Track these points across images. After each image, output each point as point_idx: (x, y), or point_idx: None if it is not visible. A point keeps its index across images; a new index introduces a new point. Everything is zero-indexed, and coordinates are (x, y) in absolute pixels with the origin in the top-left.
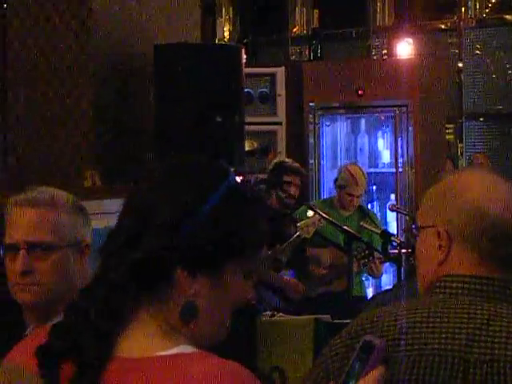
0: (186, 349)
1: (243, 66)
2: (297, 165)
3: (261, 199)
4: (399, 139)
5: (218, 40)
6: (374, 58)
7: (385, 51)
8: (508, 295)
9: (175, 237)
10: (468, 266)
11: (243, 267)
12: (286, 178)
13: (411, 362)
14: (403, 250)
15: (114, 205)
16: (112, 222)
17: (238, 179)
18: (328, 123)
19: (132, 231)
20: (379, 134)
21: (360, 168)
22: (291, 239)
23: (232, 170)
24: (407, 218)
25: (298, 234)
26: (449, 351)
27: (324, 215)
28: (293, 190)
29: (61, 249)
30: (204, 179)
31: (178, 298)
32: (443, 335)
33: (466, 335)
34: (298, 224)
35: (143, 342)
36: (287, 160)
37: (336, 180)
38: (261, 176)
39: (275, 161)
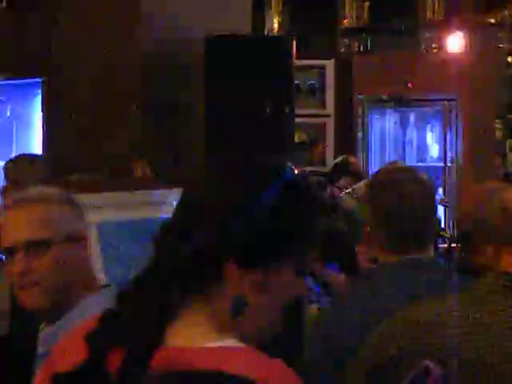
0: (233, 343)
1: (293, 57)
2: (358, 169)
3: (317, 198)
4: (448, 133)
5: (268, 32)
6: (424, 51)
7: (434, 45)
8: None
9: (228, 232)
10: None
11: (296, 264)
12: (343, 183)
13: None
14: (453, 245)
15: (163, 195)
16: (160, 212)
17: (296, 172)
18: (377, 116)
19: (186, 225)
20: (428, 127)
21: (405, 165)
22: None
23: (289, 166)
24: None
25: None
26: None
27: None
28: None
29: (57, 244)
30: (260, 175)
31: (228, 291)
32: None
33: None
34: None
35: (190, 333)
36: (353, 161)
37: None
38: (308, 168)
39: (342, 158)
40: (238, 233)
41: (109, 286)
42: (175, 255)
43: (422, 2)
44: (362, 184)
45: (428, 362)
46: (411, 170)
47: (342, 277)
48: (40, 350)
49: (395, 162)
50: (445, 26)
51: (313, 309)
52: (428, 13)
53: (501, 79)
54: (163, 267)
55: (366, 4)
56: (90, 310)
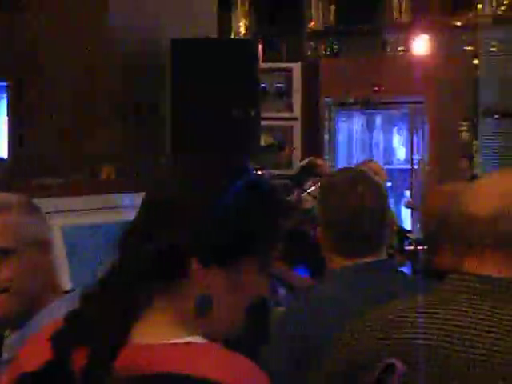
0: (199, 339)
1: (259, 60)
2: (326, 171)
3: (280, 197)
4: (414, 136)
5: (234, 34)
6: (390, 54)
7: (401, 47)
8: None
9: (192, 230)
10: None
11: (258, 263)
12: (313, 182)
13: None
14: (419, 247)
15: (128, 199)
16: (125, 216)
17: (257, 174)
18: (343, 119)
19: (149, 225)
20: (395, 130)
21: (380, 165)
22: None
23: (252, 166)
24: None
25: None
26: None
27: None
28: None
29: (20, 251)
30: (223, 175)
31: (192, 290)
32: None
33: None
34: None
35: (157, 330)
36: (320, 162)
37: None
38: (275, 172)
39: (308, 160)
40: (201, 232)
41: (74, 290)
42: (138, 256)
43: (388, 4)
44: (318, 185)
45: (393, 360)
46: (364, 171)
47: (308, 279)
48: (5, 356)
49: (370, 160)
50: (411, 28)
51: (278, 311)
52: (395, 15)
53: (467, 82)
54: (126, 268)
55: (332, 7)
56: (55, 313)
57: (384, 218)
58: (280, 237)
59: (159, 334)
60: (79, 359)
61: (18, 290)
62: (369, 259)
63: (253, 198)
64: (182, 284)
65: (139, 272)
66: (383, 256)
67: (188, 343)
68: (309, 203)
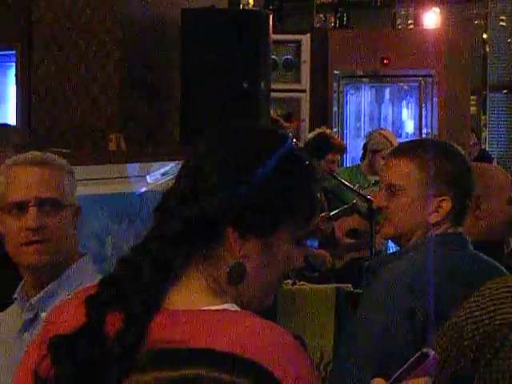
0: (232, 307)
1: (270, 32)
2: (342, 143)
3: (315, 166)
4: (423, 109)
5: (243, 6)
6: (400, 27)
7: (410, 21)
8: None
9: (229, 198)
10: None
11: (294, 233)
12: (332, 157)
13: None
14: None
15: (138, 169)
16: (134, 186)
17: (296, 145)
18: (352, 91)
19: (187, 191)
20: (403, 103)
21: (391, 132)
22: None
23: (291, 136)
24: None
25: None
26: None
27: (347, 183)
28: (334, 168)
29: (65, 207)
30: (261, 143)
31: (227, 258)
32: None
33: None
34: None
35: (190, 297)
36: (333, 135)
37: (366, 145)
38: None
39: (318, 132)
40: (238, 198)
41: (86, 253)
42: (176, 219)
43: None
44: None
45: (427, 349)
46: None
47: (321, 251)
48: (28, 315)
49: (382, 128)
50: (421, 1)
51: (287, 283)
52: None
53: (476, 56)
54: (162, 233)
55: None
56: (82, 272)
57: None
58: (317, 210)
59: (194, 300)
60: (113, 323)
61: (57, 242)
62: None
63: (293, 170)
64: (218, 250)
65: (175, 237)
66: None
67: (222, 310)
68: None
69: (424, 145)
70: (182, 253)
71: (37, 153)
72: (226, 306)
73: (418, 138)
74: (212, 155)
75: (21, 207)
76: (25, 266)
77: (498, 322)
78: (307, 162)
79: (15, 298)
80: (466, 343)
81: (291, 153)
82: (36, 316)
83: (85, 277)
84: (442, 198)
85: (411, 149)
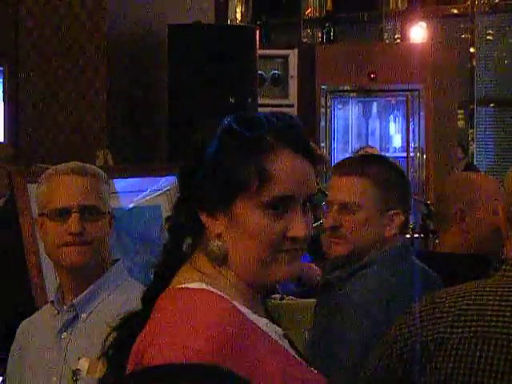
0: (200, 285)
1: (257, 47)
2: (322, 154)
3: (257, 136)
4: (411, 124)
5: (230, 21)
6: (387, 41)
7: (397, 35)
8: None
9: (193, 184)
10: None
11: (255, 202)
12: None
13: (468, 343)
14: (415, 235)
15: (126, 184)
16: (124, 201)
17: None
18: (340, 106)
19: (182, 191)
20: (391, 118)
21: (377, 151)
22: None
23: (240, 114)
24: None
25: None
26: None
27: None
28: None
29: (104, 215)
30: (211, 127)
31: (207, 240)
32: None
33: None
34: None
35: (180, 277)
36: (315, 147)
37: None
38: None
39: None
40: (198, 182)
41: (118, 259)
42: (178, 216)
43: None
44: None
45: None
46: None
47: (310, 265)
48: (68, 315)
49: (368, 146)
50: (408, 16)
51: (275, 298)
52: (391, 3)
53: (463, 70)
54: (171, 228)
55: None
56: (116, 279)
57: None
58: (266, 178)
59: (181, 280)
60: None
61: (95, 246)
62: None
63: (231, 143)
64: (203, 236)
65: (179, 231)
66: None
67: (181, 288)
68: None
69: (368, 161)
70: (188, 242)
71: (78, 163)
72: (194, 284)
73: (405, 152)
74: (186, 157)
75: (64, 213)
76: (64, 267)
77: (423, 338)
78: (248, 134)
79: (52, 302)
80: (395, 361)
81: (230, 128)
82: (76, 317)
83: (120, 280)
84: (394, 211)
85: (357, 166)
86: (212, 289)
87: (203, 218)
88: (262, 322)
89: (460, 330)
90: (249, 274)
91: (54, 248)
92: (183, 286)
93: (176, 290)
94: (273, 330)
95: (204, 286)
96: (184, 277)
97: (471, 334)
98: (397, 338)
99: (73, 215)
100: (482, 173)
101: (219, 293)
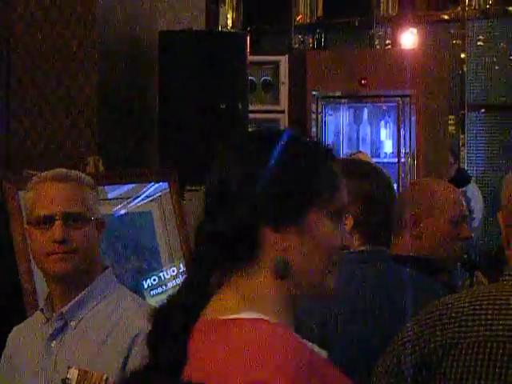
0: (251, 315)
1: (248, 53)
2: None
3: (320, 145)
4: (402, 129)
5: (221, 27)
6: (378, 47)
7: (388, 41)
8: None
9: (254, 199)
10: None
11: (325, 212)
12: None
13: (477, 347)
14: None
15: (117, 191)
16: (115, 208)
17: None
18: (331, 112)
19: (210, 206)
20: (382, 123)
21: (368, 157)
22: None
23: (292, 129)
24: None
25: None
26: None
27: None
28: None
29: (89, 221)
30: (262, 141)
31: (267, 256)
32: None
33: None
34: None
35: (222, 306)
36: None
37: None
38: None
39: None
40: (262, 195)
41: (108, 266)
42: (205, 237)
43: None
44: None
45: None
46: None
47: None
48: (57, 324)
49: (359, 151)
50: (398, 22)
51: None
52: (382, 9)
53: (454, 76)
54: (199, 254)
55: (320, 0)
56: (105, 287)
57: None
58: (339, 185)
59: (220, 308)
60: None
61: (81, 253)
62: None
63: (298, 153)
64: (254, 255)
65: (205, 256)
66: None
67: (234, 320)
68: None
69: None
70: (220, 266)
71: (62, 169)
72: (245, 314)
73: (396, 157)
74: (227, 167)
75: (47, 221)
76: (50, 275)
77: (432, 345)
78: (310, 142)
79: (41, 309)
80: (403, 368)
81: (292, 139)
82: (65, 325)
83: (109, 288)
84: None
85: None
86: (265, 317)
87: (268, 232)
88: (315, 348)
89: (468, 335)
90: (310, 286)
91: (40, 256)
92: (234, 316)
93: (229, 322)
94: (322, 354)
95: (255, 315)
96: (227, 306)
97: (479, 339)
98: (405, 345)
99: (56, 223)
100: (447, 182)
101: (276, 321)
